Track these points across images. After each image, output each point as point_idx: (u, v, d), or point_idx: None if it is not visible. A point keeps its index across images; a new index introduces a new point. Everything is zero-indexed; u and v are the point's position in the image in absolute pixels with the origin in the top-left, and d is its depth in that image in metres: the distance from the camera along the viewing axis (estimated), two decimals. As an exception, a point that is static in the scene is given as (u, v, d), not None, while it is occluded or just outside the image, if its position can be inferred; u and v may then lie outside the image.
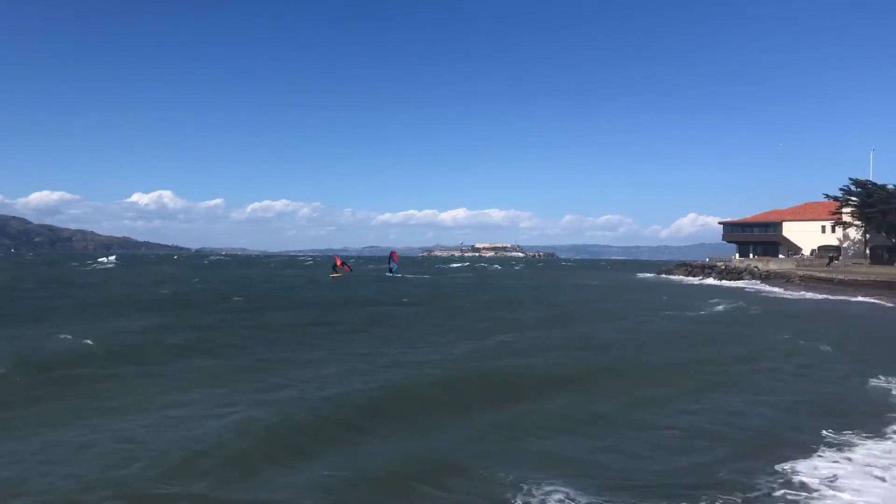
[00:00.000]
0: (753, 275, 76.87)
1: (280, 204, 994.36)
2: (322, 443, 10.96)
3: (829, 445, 11.27)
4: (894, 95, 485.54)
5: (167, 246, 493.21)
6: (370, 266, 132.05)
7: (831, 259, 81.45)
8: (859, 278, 61.42)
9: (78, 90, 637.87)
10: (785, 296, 52.56)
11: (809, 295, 52.52)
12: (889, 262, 73.61)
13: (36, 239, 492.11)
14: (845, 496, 9.05)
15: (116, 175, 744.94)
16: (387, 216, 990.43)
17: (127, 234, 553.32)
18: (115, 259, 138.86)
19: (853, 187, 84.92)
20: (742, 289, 62.18)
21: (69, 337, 20.89)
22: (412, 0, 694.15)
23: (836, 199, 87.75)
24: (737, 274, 79.57)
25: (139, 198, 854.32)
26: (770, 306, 41.72)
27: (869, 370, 17.81)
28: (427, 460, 10.11)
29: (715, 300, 44.13)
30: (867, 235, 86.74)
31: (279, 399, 13.47)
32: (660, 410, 13.76)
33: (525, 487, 8.95)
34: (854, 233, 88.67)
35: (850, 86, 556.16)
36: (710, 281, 78.46)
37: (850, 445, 11.26)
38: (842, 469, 10.11)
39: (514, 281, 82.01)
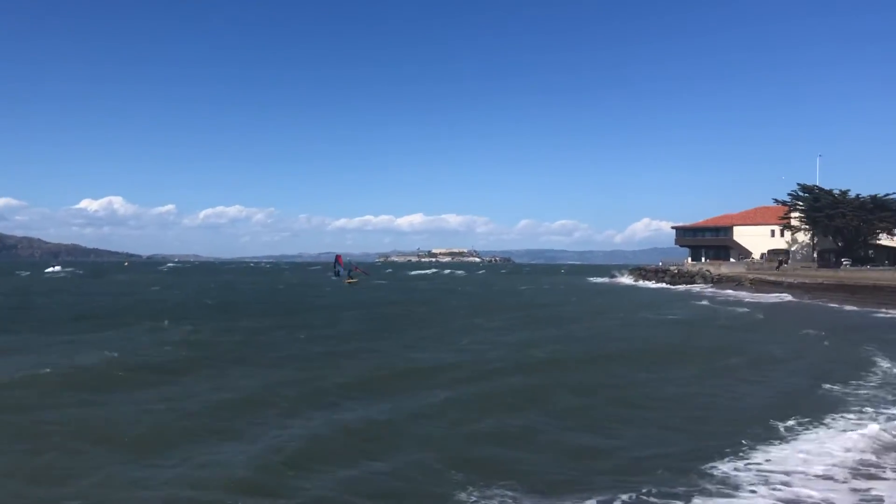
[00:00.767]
0: (705, 278, 77.76)
1: (234, 210, 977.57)
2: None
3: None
4: (840, 102, 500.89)
5: (117, 253, 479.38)
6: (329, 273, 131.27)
7: (780, 263, 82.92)
8: (807, 281, 62.44)
9: (21, 91, 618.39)
10: (742, 298, 53.05)
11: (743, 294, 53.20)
12: (836, 266, 75.13)
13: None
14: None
15: (64, 180, 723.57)
16: (342, 222, 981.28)
17: (75, 242, 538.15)
18: (61, 268, 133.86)
19: (801, 192, 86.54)
20: (692, 292, 62.77)
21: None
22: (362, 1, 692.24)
23: (784, 203, 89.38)
24: (689, 278, 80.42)
25: (88, 204, 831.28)
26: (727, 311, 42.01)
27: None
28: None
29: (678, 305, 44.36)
30: (815, 239, 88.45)
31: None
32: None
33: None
34: (802, 237, 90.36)
35: (798, 92, 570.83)
36: (662, 285, 79.20)
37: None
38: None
39: (489, 287, 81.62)
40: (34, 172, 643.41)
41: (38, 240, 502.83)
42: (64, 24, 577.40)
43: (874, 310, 41.50)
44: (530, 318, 36.55)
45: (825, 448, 11.37)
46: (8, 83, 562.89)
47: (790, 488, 9.47)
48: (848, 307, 43.80)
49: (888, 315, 38.58)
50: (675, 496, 9.10)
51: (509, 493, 9.15)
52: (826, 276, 64.46)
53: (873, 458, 10.88)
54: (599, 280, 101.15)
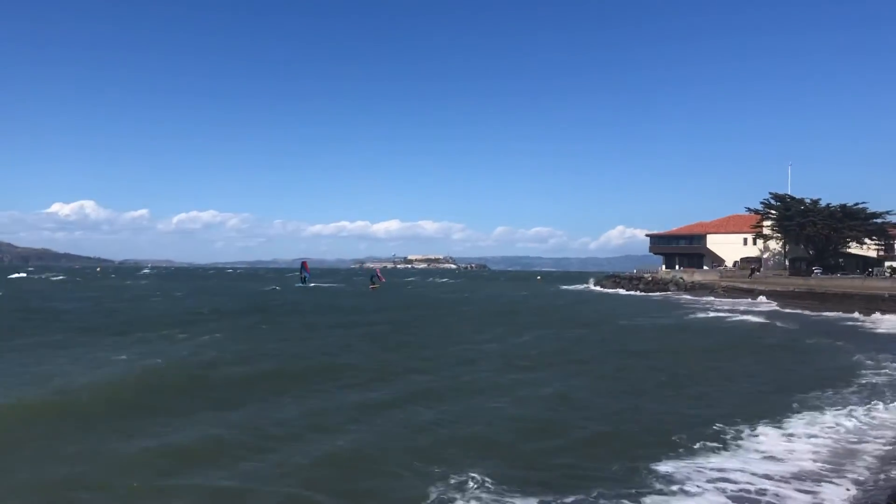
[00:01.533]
0: (679, 286, 78.20)
1: (208, 215, 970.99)
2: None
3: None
4: (809, 111, 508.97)
5: (89, 258, 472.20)
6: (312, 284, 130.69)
7: (753, 270, 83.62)
8: (778, 288, 63.06)
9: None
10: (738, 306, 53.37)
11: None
12: (807, 273, 75.94)
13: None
14: None
15: (35, 184, 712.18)
16: (318, 227, 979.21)
17: (46, 246, 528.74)
18: (27, 274, 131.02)
19: (773, 201, 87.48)
20: (668, 298, 63.06)
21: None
22: (347, 5, 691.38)
23: (756, 212, 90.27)
24: (663, 285, 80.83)
25: (59, 208, 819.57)
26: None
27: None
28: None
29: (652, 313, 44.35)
30: (786, 247, 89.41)
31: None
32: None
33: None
34: (774, 244, 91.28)
35: (770, 102, 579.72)
36: (637, 293, 79.51)
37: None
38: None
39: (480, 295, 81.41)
40: (3, 175, 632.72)
41: (8, 244, 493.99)
42: (35, 27, 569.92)
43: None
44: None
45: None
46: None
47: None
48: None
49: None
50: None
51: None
52: (797, 283, 65.15)
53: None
54: (575, 287, 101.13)
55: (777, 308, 50.88)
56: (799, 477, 10.40)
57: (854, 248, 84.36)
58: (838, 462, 11.16)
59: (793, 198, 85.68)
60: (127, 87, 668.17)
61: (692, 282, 78.54)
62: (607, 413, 14.65)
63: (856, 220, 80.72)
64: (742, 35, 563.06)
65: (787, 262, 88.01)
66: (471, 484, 9.70)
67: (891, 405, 15.33)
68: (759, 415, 14.18)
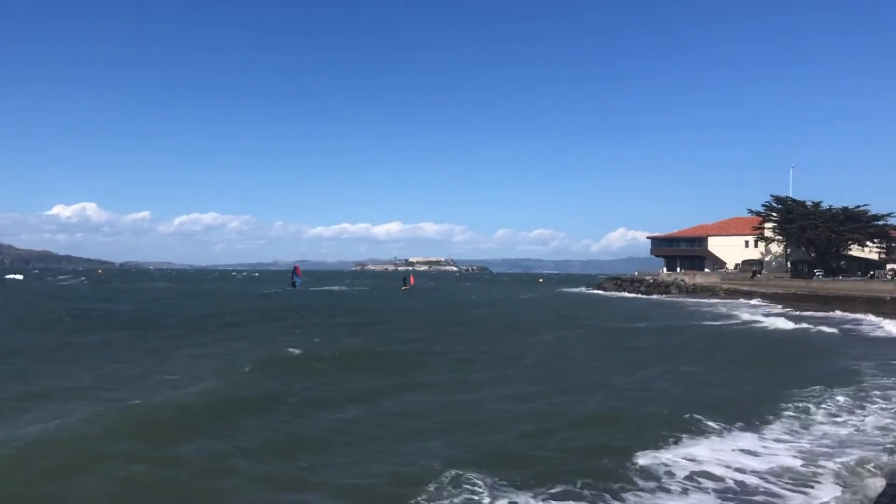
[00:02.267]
0: (680, 288, 78.09)
1: (209, 217, 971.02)
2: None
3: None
4: (813, 114, 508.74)
5: (90, 260, 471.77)
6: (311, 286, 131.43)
7: (754, 273, 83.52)
8: (780, 291, 62.98)
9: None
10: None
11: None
12: (809, 276, 75.83)
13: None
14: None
15: (36, 186, 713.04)
16: (319, 230, 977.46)
17: (47, 248, 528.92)
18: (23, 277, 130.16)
19: (774, 203, 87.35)
20: (674, 302, 62.95)
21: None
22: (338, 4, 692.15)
23: (758, 214, 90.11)
24: (664, 287, 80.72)
25: (61, 210, 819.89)
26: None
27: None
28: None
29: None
30: (788, 250, 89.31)
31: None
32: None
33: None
34: (776, 247, 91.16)
35: (772, 105, 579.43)
36: (639, 295, 79.40)
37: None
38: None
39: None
40: (5, 177, 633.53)
41: (9, 246, 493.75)
42: (34, 28, 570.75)
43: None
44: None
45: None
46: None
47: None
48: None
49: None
50: None
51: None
52: (799, 286, 65.07)
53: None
54: (578, 291, 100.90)
55: (782, 310, 50.58)
56: (788, 475, 10.51)
57: (856, 251, 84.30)
58: (827, 463, 11.19)
59: (794, 200, 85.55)
60: (128, 90, 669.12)
61: (694, 284, 78.43)
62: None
63: (857, 223, 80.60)
64: (743, 39, 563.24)
65: (788, 265, 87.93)
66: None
67: (885, 407, 15.37)
68: (745, 414, 14.37)
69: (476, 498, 9.32)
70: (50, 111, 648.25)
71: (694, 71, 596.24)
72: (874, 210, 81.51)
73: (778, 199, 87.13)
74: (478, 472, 10.16)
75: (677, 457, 11.24)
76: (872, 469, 10.60)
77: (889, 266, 79.05)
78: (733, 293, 68.72)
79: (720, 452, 11.65)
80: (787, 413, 14.72)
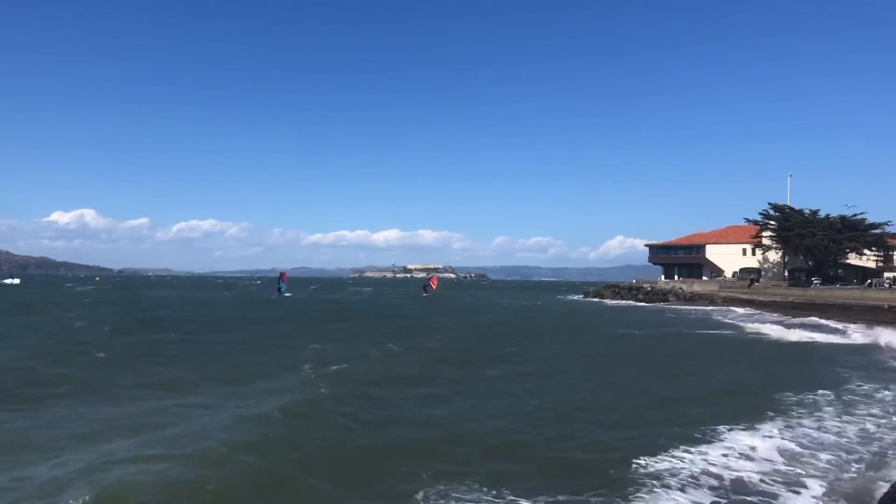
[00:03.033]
0: (678, 296, 78.10)
1: (208, 224, 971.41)
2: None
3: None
4: (810, 121, 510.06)
5: (89, 267, 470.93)
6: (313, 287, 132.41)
7: (752, 281, 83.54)
8: (777, 299, 62.99)
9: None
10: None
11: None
12: (806, 284, 75.87)
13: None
14: None
15: (35, 193, 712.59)
16: (317, 237, 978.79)
17: (45, 255, 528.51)
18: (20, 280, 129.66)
19: (772, 211, 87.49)
20: (673, 310, 62.97)
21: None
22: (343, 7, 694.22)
23: (756, 223, 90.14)
24: (662, 295, 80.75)
25: (59, 216, 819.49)
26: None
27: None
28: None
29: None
30: (786, 258, 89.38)
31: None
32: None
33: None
34: (773, 255, 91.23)
35: (770, 113, 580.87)
36: (637, 303, 79.40)
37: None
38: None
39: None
40: (3, 184, 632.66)
41: (7, 252, 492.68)
42: (34, 34, 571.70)
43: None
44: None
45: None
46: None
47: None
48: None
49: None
50: None
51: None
52: (796, 294, 65.12)
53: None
54: (576, 298, 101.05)
55: (778, 319, 50.58)
56: (779, 477, 10.73)
57: (853, 259, 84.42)
58: (819, 464, 11.44)
59: (792, 209, 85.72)
60: (128, 96, 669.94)
61: (691, 292, 78.46)
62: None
63: (855, 231, 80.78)
64: (742, 43, 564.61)
65: (786, 273, 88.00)
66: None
67: (872, 413, 15.72)
68: (740, 417, 14.84)
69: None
70: (48, 118, 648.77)
71: (693, 79, 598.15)
72: (872, 218, 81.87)
73: (776, 208, 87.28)
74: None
75: (677, 457, 11.58)
76: (864, 472, 10.81)
77: (886, 274, 79.14)
78: (731, 301, 68.76)
79: (717, 455, 11.90)
80: (780, 416, 15.08)
